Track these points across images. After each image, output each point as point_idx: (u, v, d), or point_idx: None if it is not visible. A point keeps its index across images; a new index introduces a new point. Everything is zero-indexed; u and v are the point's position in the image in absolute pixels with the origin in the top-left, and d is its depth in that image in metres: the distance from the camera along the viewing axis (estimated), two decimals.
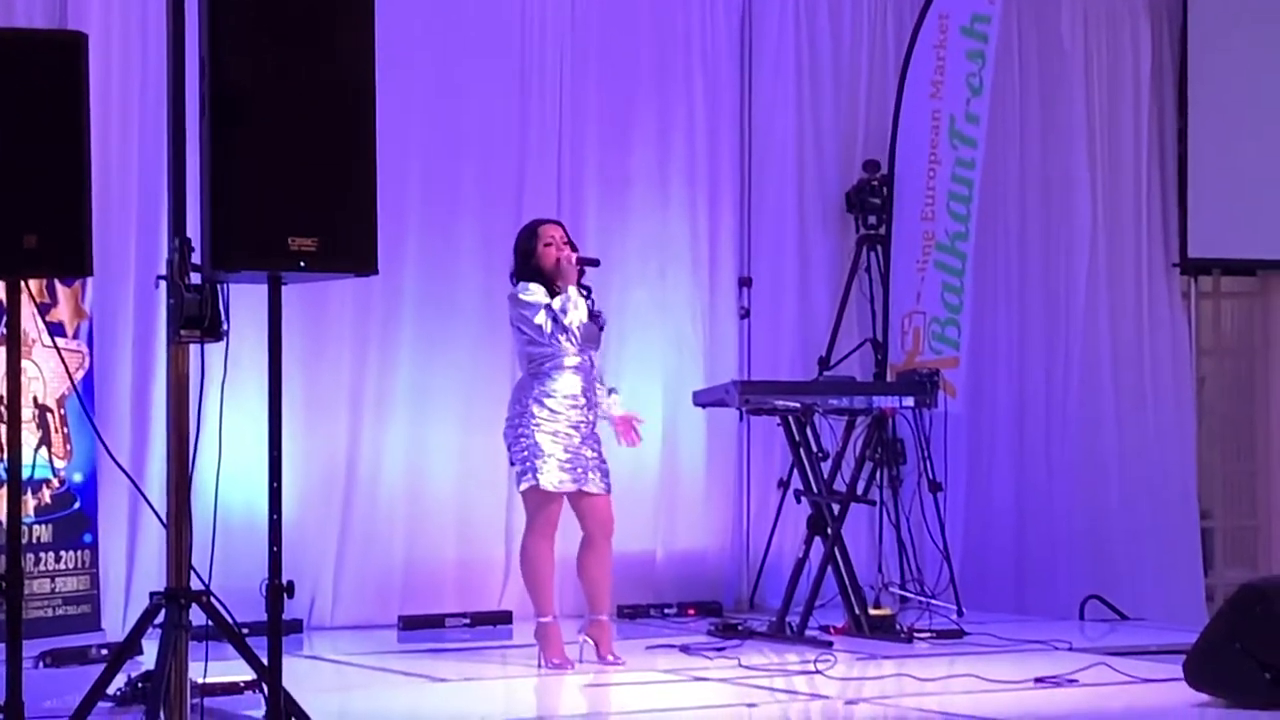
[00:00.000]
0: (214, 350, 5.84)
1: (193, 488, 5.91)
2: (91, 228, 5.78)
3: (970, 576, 10.17)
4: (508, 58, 9.64)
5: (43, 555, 8.15)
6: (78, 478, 8.31)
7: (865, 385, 9.60)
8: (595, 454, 7.92)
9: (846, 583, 8.96)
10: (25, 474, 6.61)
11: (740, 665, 8.00)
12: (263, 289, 5.89)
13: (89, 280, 8.09)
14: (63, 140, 5.70)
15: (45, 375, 8.14)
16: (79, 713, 5.88)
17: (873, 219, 10.25)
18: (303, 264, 5.72)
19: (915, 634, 8.81)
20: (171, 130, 5.88)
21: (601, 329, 8.03)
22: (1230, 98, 11.15)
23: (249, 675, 6.25)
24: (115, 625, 8.38)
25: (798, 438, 8.97)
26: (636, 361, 9.72)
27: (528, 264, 7.93)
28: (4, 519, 6.61)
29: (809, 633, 8.74)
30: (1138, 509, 10.90)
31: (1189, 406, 11.21)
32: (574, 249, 7.96)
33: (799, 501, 9.21)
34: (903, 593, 9.92)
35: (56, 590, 8.20)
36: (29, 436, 7.81)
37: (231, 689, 6.70)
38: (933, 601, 9.67)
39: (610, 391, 8.15)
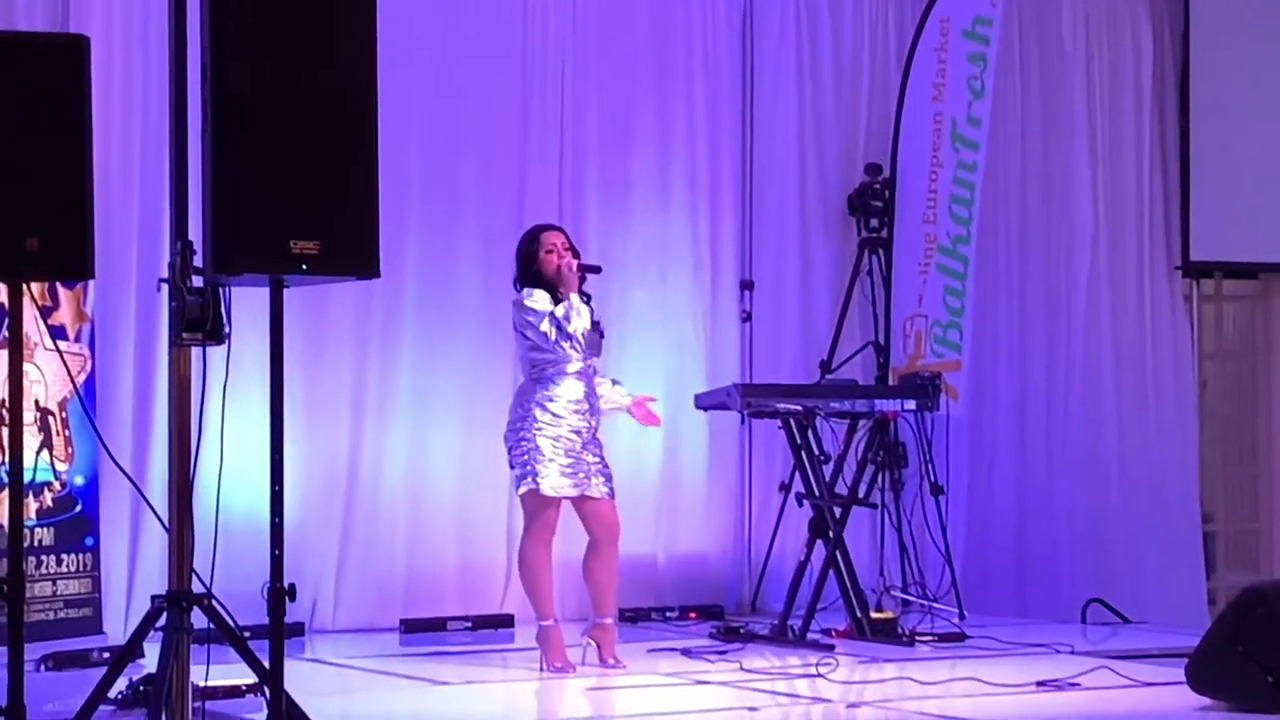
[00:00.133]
0: (216, 353, 5.84)
1: (194, 491, 5.91)
2: (93, 230, 5.78)
3: (972, 580, 10.16)
4: (509, 60, 9.65)
5: (44, 558, 8.14)
6: (79, 481, 8.31)
7: (867, 388, 9.60)
8: (597, 459, 7.92)
9: (848, 586, 8.96)
10: (27, 477, 6.61)
11: (742, 669, 7.99)
12: (264, 292, 5.89)
13: (91, 283, 8.09)
14: (64, 143, 5.70)
15: (47, 378, 8.14)
16: (81, 716, 5.88)
17: (874, 222, 10.25)
18: (304, 267, 5.72)
19: (917, 637, 8.81)
20: (173, 133, 5.88)
21: (602, 336, 8.04)
22: (1232, 99, 11.15)
23: (250, 678, 6.24)
24: (117, 628, 8.37)
25: (799, 441, 8.97)
26: (638, 364, 9.72)
27: (529, 270, 7.93)
28: (6, 522, 6.61)
29: (811, 636, 8.73)
30: (1139, 512, 10.89)
31: (1191, 409, 11.20)
32: (576, 255, 7.96)
33: (801, 505, 9.21)
34: (904, 596, 9.91)
35: (58, 593, 8.20)
36: (31, 439, 7.81)
37: (233, 692, 6.70)
38: (934, 605, 9.67)
39: (614, 384, 8.16)
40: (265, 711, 5.90)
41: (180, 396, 5.86)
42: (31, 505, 8.00)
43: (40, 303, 7.80)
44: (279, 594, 5.82)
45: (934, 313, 10.17)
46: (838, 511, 8.98)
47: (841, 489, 9.11)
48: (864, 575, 9.34)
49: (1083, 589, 10.23)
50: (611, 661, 7.97)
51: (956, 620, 9.45)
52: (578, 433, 7.86)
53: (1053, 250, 10.91)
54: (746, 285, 10.20)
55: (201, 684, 5.94)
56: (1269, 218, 11.16)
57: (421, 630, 9.09)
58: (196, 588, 5.84)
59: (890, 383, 9.95)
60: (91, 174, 5.78)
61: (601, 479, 7.91)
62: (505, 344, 8.56)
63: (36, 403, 8.02)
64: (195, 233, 5.81)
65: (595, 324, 7.97)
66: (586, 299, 7.97)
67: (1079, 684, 7.57)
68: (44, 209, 5.66)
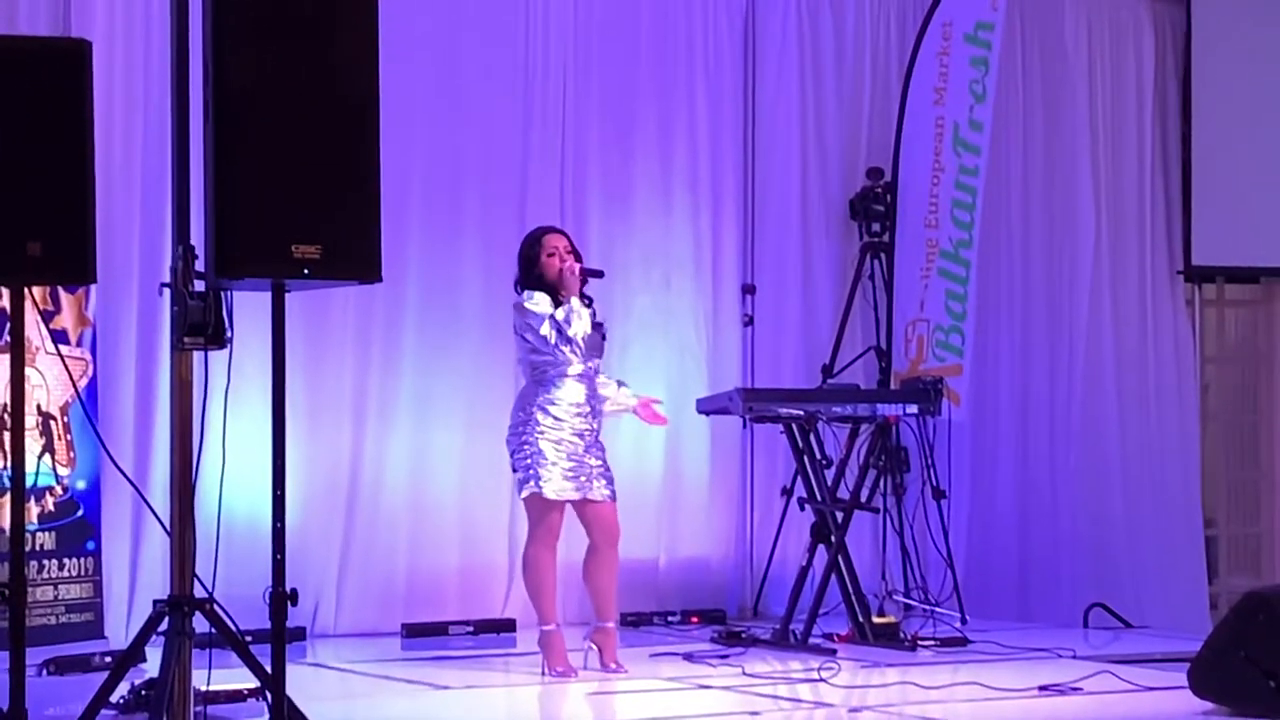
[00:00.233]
0: (217, 357, 5.84)
1: (196, 495, 5.91)
2: (95, 235, 5.78)
3: (974, 584, 10.16)
4: (510, 65, 9.65)
5: (46, 563, 8.14)
6: (81, 485, 8.31)
7: (869, 393, 9.60)
8: (600, 462, 7.92)
9: (850, 590, 8.95)
10: (29, 481, 6.61)
11: (744, 673, 7.99)
12: (266, 296, 5.89)
13: (92, 287, 8.08)
14: (66, 147, 5.70)
15: (49, 383, 8.14)
16: None
17: (876, 226, 10.25)
18: (306, 271, 5.72)
19: (919, 642, 8.81)
20: (175, 138, 5.88)
21: (604, 339, 8.04)
22: (1234, 105, 11.15)
23: (252, 683, 6.24)
24: (118, 633, 8.37)
25: (801, 445, 8.97)
26: (640, 369, 9.71)
27: (531, 273, 7.93)
28: (7, 526, 6.61)
29: (813, 640, 8.73)
30: (1141, 516, 10.89)
31: (1192, 414, 11.21)
32: (578, 258, 7.96)
33: (802, 509, 9.20)
34: (906, 600, 9.91)
35: (60, 598, 8.20)
36: (32, 444, 7.81)
37: (235, 696, 6.70)
38: (936, 609, 9.67)
39: (620, 385, 8.15)
40: (267, 716, 5.90)
41: (182, 401, 5.86)
42: (33, 510, 8.00)
43: (42, 307, 7.80)
44: (281, 598, 5.81)
45: (936, 317, 10.17)
46: (839, 516, 8.97)
47: (843, 493, 9.11)
48: (866, 580, 9.33)
49: (1084, 593, 10.23)
50: (613, 666, 7.96)
51: (958, 625, 9.45)
52: (580, 435, 7.86)
53: (1054, 255, 10.91)
54: (748, 289, 10.20)
55: (203, 688, 5.94)
56: (1270, 222, 11.16)
57: (423, 635, 9.09)
58: (198, 592, 5.83)
59: (892, 387, 9.96)
60: (93, 178, 5.77)
61: (603, 482, 7.91)
62: (507, 348, 8.56)
63: (38, 407, 8.02)
64: (197, 237, 5.81)
65: (598, 325, 7.97)
66: (589, 301, 7.97)
67: (1081, 689, 7.57)
68: (46, 213, 5.66)
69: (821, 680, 7.75)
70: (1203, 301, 11.51)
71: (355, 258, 5.82)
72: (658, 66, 10.03)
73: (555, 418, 7.83)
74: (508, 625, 9.26)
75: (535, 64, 9.71)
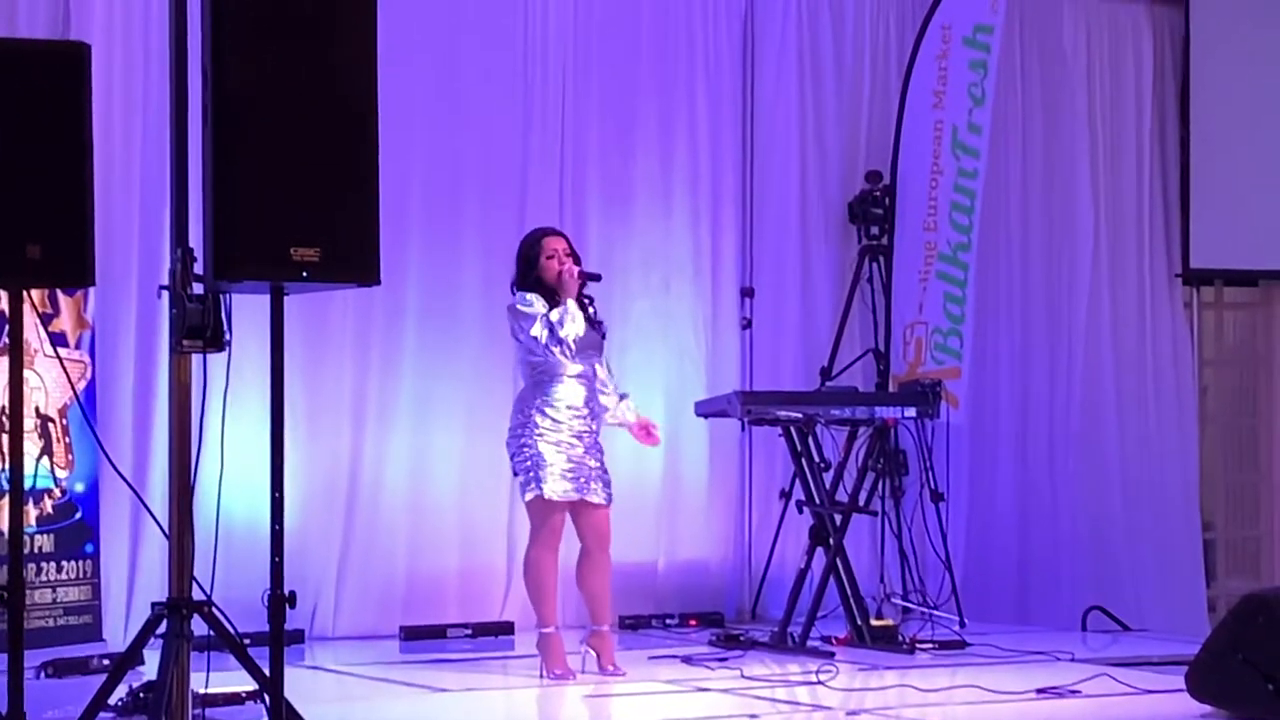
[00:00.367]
0: (216, 360, 5.84)
1: (194, 497, 5.90)
2: (94, 238, 5.78)
3: (972, 587, 10.16)
4: (510, 68, 9.65)
5: (44, 565, 8.14)
6: (79, 488, 8.31)
7: (867, 396, 9.60)
8: (598, 464, 7.91)
9: (848, 593, 8.95)
10: (27, 484, 6.61)
11: (742, 676, 7.99)
12: (265, 299, 5.89)
13: (91, 290, 8.09)
14: (65, 150, 5.70)
15: (47, 385, 8.14)
16: None
17: (875, 229, 10.26)
18: (305, 274, 5.72)
19: (917, 645, 8.81)
20: (174, 140, 5.89)
21: (604, 338, 8.04)
22: (1232, 108, 11.16)
23: (251, 685, 6.25)
24: (117, 635, 8.37)
25: (800, 448, 8.97)
26: (639, 372, 9.71)
27: (529, 274, 7.92)
28: (6, 529, 6.61)
29: (811, 643, 8.73)
30: (1140, 519, 10.90)
31: (1191, 416, 11.21)
32: (577, 261, 7.95)
33: (801, 512, 9.20)
34: (905, 603, 9.91)
35: (58, 600, 8.20)
36: (31, 446, 7.81)
37: (233, 699, 6.70)
38: (935, 612, 9.67)
39: (622, 397, 8.14)
40: (265, 718, 5.89)
41: (181, 403, 5.86)
42: (32, 512, 8.00)
43: (40, 309, 7.81)
44: (279, 601, 5.82)
45: (934, 320, 10.17)
46: (838, 519, 8.97)
47: (842, 496, 9.11)
48: (864, 582, 9.33)
49: (1083, 596, 10.23)
50: (611, 669, 7.96)
51: (957, 627, 9.45)
52: (579, 437, 7.85)
53: (1053, 257, 10.91)
54: (747, 292, 10.20)
55: (202, 691, 5.94)
56: (1269, 225, 11.17)
57: (422, 637, 9.09)
58: (197, 594, 5.83)
59: (890, 390, 9.96)
60: (92, 181, 5.77)
61: (601, 484, 7.90)
62: (506, 350, 8.55)
63: (37, 409, 8.02)
64: (196, 240, 5.81)
65: (598, 324, 7.97)
66: (589, 301, 7.97)
67: (1079, 691, 7.57)
68: (45, 216, 5.65)
69: (820, 683, 7.75)
70: (1201, 304, 11.52)
71: (354, 260, 5.82)
72: (657, 70, 10.03)
73: (554, 420, 7.82)
74: (506, 628, 9.26)
75: (534, 68, 9.71)
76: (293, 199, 5.70)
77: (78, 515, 8.29)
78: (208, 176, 5.68)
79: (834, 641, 8.84)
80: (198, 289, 5.79)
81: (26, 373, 6.47)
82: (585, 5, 9.84)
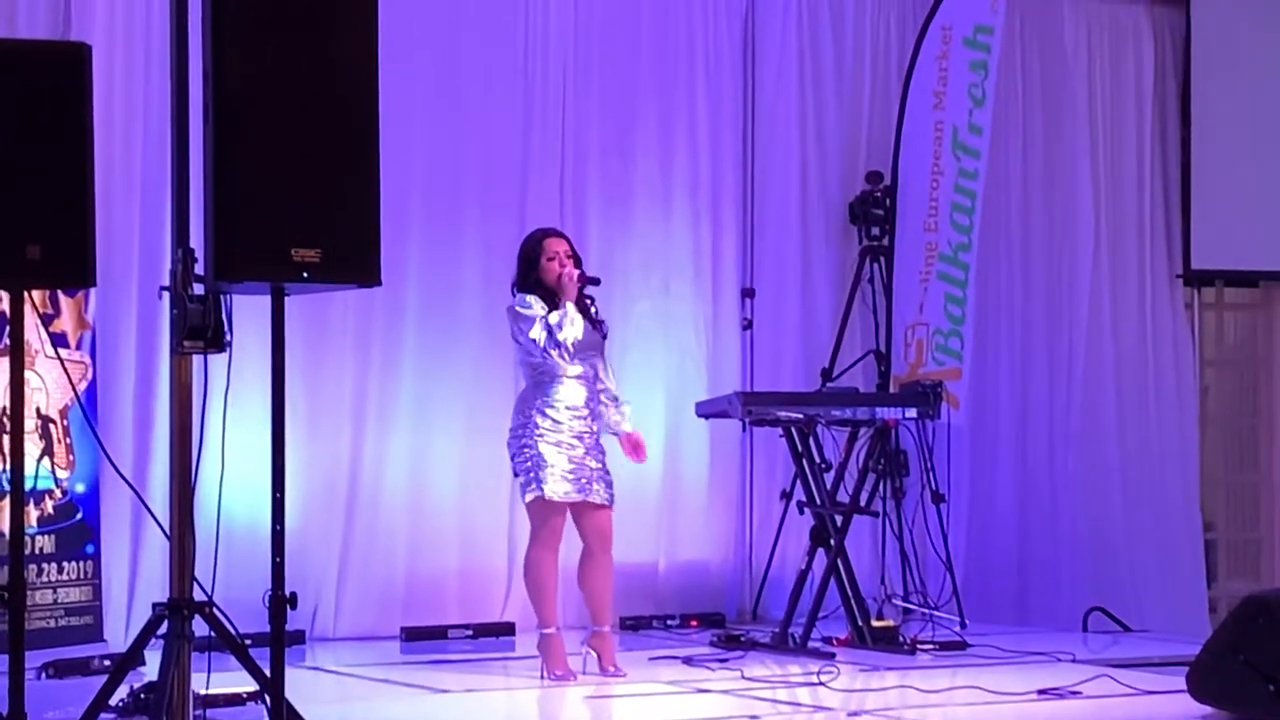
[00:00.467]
0: (217, 361, 5.84)
1: (195, 498, 5.90)
2: (95, 238, 5.78)
3: (973, 588, 10.16)
4: (510, 68, 9.65)
5: (45, 566, 8.14)
6: (80, 488, 8.32)
7: (868, 396, 9.60)
8: (599, 465, 7.91)
9: (849, 594, 8.95)
10: (28, 485, 6.61)
11: (743, 677, 7.99)
12: (265, 299, 5.89)
13: (92, 291, 8.09)
14: (66, 151, 5.70)
15: (48, 386, 8.14)
16: None
17: (875, 230, 10.26)
18: (306, 275, 5.72)
19: (918, 645, 8.80)
20: (174, 140, 5.88)
21: (605, 338, 8.03)
22: (1233, 108, 11.16)
23: (251, 686, 6.25)
24: (118, 636, 8.38)
25: (800, 449, 8.97)
26: (640, 372, 9.72)
27: (530, 275, 7.92)
28: (7, 529, 6.61)
29: (812, 644, 8.73)
30: (1141, 520, 10.90)
31: (1192, 417, 11.21)
32: (578, 262, 7.95)
33: (802, 513, 9.20)
34: (905, 604, 9.91)
35: (59, 601, 8.20)
36: (32, 447, 7.81)
37: (234, 700, 6.70)
38: (935, 613, 9.66)
39: (619, 405, 8.10)
40: (266, 719, 5.89)
41: (181, 404, 5.86)
42: (32, 513, 8.00)
43: (41, 310, 7.81)
44: (280, 602, 5.81)
45: (935, 321, 10.17)
46: (839, 519, 8.97)
47: (843, 497, 9.11)
48: (865, 583, 9.33)
49: (1084, 597, 10.23)
50: (612, 670, 7.96)
51: (957, 628, 9.45)
52: (579, 438, 7.85)
53: (1054, 258, 10.91)
54: (748, 293, 10.20)
55: (202, 692, 5.94)
56: (1270, 226, 11.17)
57: (422, 638, 9.09)
58: (198, 595, 5.83)
59: (891, 391, 9.96)
60: (93, 182, 5.77)
61: (602, 485, 7.90)
62: (506, 351, 8.55)
63: (38, 410, 8.03)
64: (196, 240, 5.81)
65: (599, 324, 7.97)
66: (590, 301, 7.97)
67: (1080, 692, 7.57)
68: (45, 217, 5.65)
69: (820, 684, 7.75)
70: (1202, 305, 11.51)
71: (355, 261, 5.82)
72: (657, 70, 10.03)
73: (554, 420, 7.82)
74: (507, 629, 9.26)
75: (535, 67, 9.71)
76: (294, 200, 5.70)
77: (78, 516, 8.29)
78: (208, 176, 5.68)
79: (835, 642, 8.83)
80: (198, 289, 5.79)
81: (27, 373, 6.48)
82: (585, 5, 9.84)
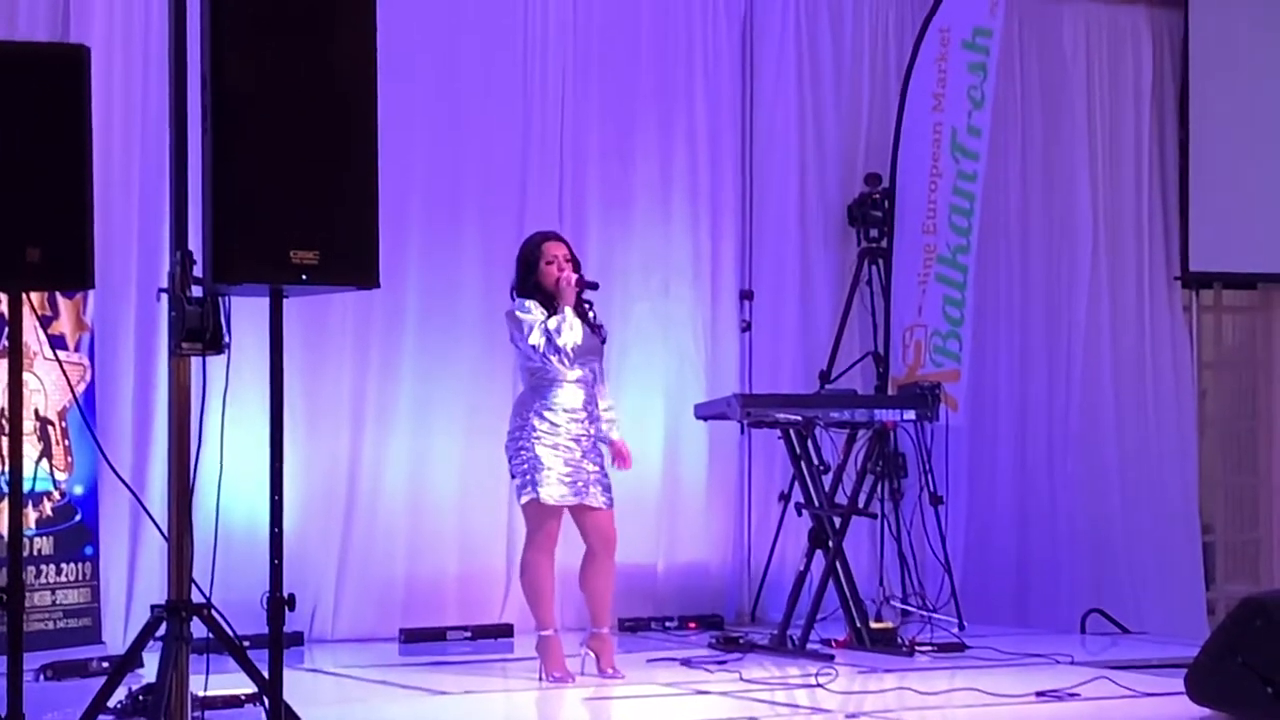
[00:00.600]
0: (215, 363, 5.84)
1: (194, 500, 5.90)
2: (93, 240, 5.78)
3: (971, 590, 10.16)
4: (509, 71, 9.65)
5: (43, 568, 8.14)
6: (79, 490, 8.32)
7: (866, 398, 9.60)
8: (597, 468, 7.91)
9: (848, 596, 8.95)
10: (26, 486, 6.61)
11: (741, 679, 7.99)
12: (264, 301, 5.89)
13: (90, 293, 8.09)
14: (65, 153, 5.70)
15: (47, 388, 8.14)
16: None
17: (874, 232, 10.26)
18: (304, 277, 5.72)
19: (917, 647, 8.81)
20: (173, 142, 5.88)
21: (603, 341, 8.04)
22: (1232, 111, 11.16)
23: (250, 688, 6.25)
24: (116, 638, 8.38)
25: (799, 451, 8.97)
26: (638, 375, 9.72)
27: (528, 278, 7.92)
28: (5, 531, 6.61)
29: (810, 646, 8.73)
30: (1139, 522, 10.90)
31: (1190, 420, 11.21)
32: (577, 266, 7.95)
33: (800, 514, 9.20)
34: (904, 606, 9.91)
35: (57, 603, 8.20)
36: (30, 449, 7.81)
37: (232, 702, 6.70)
38: (934, 615, 9.66)
39: (608, 409, 8.09)
40: None
41: (180, 406, 5.86)
42: (31, 515, 8.00)
43: (40, 312, 7.81)
44: (278, 603, 5.81)
45: (933, 323, 10.18)
46: (837, 521, 8.97)
47: (841, 499, 9.11)
48: (863, 585, 9.34)
49: (1082, 599, 10.24)
50: (610, 671, 7.96)
51: (956, 630, 9.45)
52: (577, 441, 7.85)
53: (1052, 260, 10.92)
54: (746, 295, 10.21)
55: (201, 694, 5.94)
56: (1268, 228, 11.18)
57: (421, 640, 9.09)
58: (196, 597, 5.83)
59: (889, 393, 9.96)
60: (92, 184, 5.77)
61: (600, 488, 7.90)
62: (505, 354, 8.55)
63: (36, 412, 8.03)
64: (195, 242, 5.81)
65: (598, 327, 7.97)
66: (589, 305, 7.97)
67: (1078, 694, 7.57)
68: (44, 219, 5.65)
69: (819, 686, 7.75)
70: (1200, 307, 11.52)
71: (354, 263, 5.81)
72: (657, 73, 10.03)
73: (552, 423, 7.82)
74: (505, 630, 9.26)
75: (534, 69, 9.71)
76: (292, 201, 5.70)
77: (77, 518, 8.29)
78: (207, 178, 5.68)
79: (833, 644, 8.84)
80: (197, 291, 5.78)
81: (26, 375, 6.47)
82: (585, 8, 9.84)
